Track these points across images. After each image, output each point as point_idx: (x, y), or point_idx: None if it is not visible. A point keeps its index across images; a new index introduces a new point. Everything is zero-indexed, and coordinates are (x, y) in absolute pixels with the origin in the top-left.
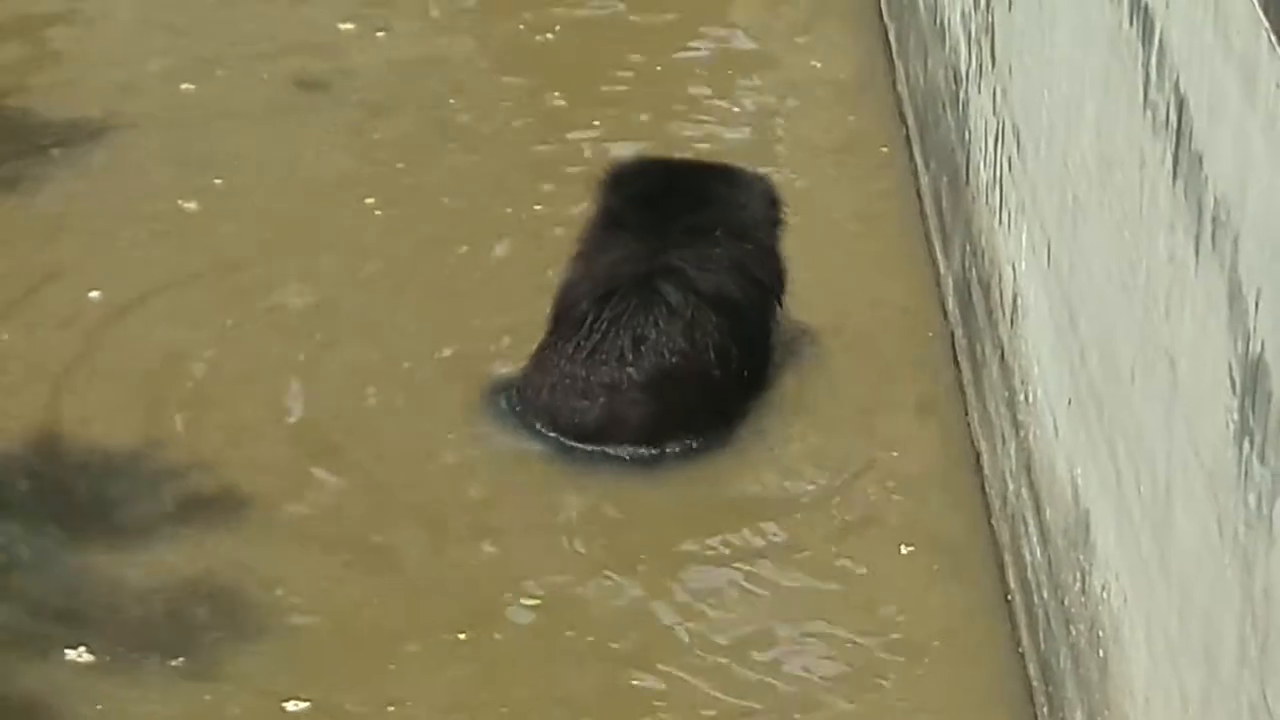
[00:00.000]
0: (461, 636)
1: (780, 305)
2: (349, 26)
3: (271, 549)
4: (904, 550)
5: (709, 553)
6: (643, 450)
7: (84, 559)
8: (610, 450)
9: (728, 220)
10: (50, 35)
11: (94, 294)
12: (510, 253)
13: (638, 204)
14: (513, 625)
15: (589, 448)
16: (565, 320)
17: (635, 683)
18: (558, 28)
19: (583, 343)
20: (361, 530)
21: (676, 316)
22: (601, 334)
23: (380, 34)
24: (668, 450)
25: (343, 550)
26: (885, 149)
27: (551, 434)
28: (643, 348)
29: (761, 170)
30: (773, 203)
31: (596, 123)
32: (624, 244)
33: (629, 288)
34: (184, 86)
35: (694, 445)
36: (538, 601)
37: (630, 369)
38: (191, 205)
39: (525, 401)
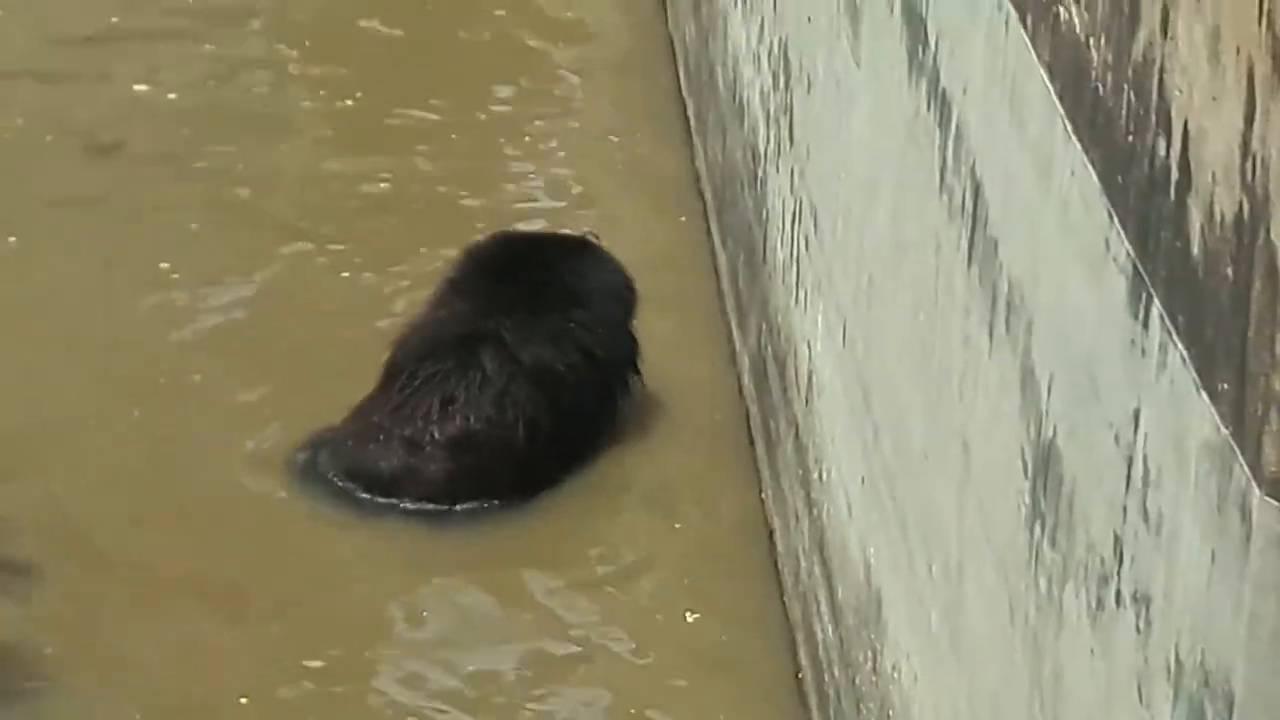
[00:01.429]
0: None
1: (625, 382)
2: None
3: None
4: (690, 618)
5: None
6: (433, 506)
7: None
8: (403, 504)
9: (572, 293)
10: None
11: None
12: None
13: (480, 272)
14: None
15: (381, 500)
16: (385, 374)
17: None
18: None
19: (394, 397)
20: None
21: (490, 383)
22: (413, 390)
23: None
24: (459, 508)
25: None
26: (684, 219)
27: (347, 483)
28: (449, 409)
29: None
30: (626, 284)
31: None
32: (456, 308)
33: (448, 349)
34: None
35: (488, 505)
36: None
37: (433, 427)
38: None
39: (329, 447)
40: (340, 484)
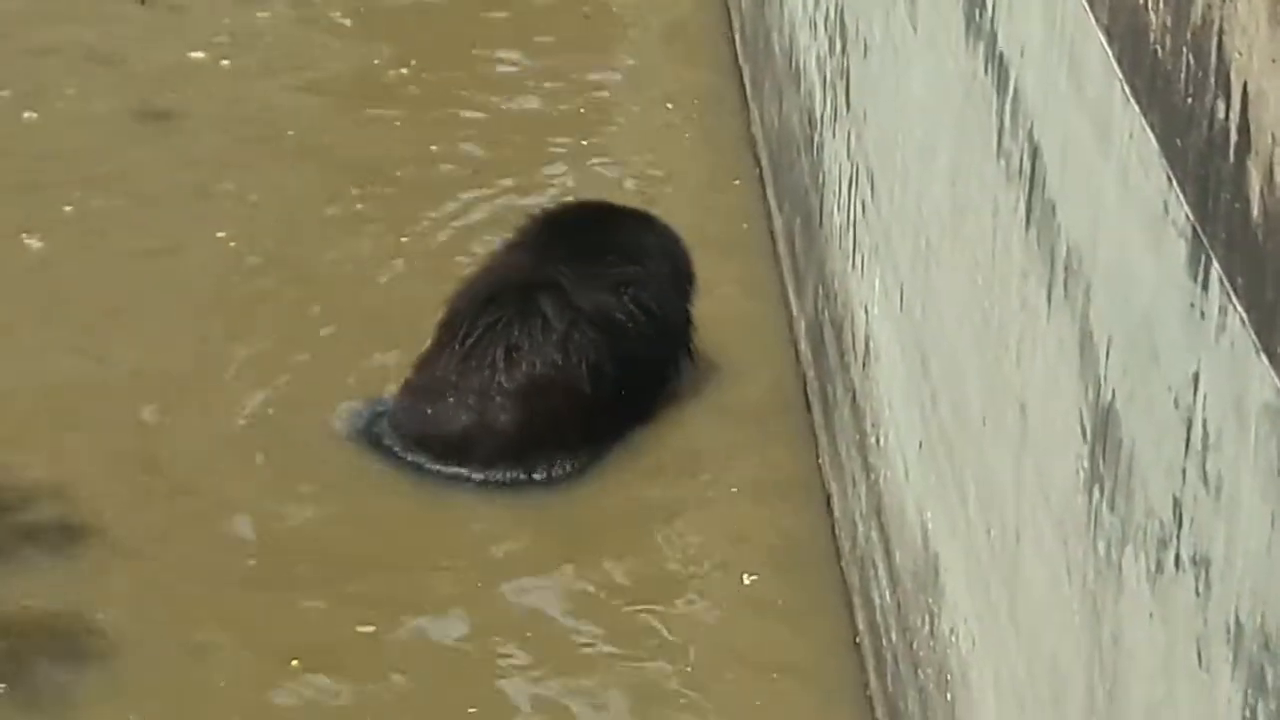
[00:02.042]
0: (295, 664)
1: (683, 347)
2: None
3: (106, 578)
4: (748, 580)
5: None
6: (506, 474)
7: None
8: (472, 475)
9: (630, 253)
10: None
11: None
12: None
13: (542, 231)
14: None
15: (449, 468)
16: (444, 327)
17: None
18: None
19: (456, 350)
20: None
21: (551, 329)
22: (476, 340)
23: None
24: (534, 475)
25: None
26: (738, 182)
27: (415, 452)
28: (514, 355)
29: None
30: (684, 255)
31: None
32: (515, 260)
33: (508, 298)
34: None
35: (557, 471)
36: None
37: (500, 376)
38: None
39: (392, 414)
40: (405, 452)
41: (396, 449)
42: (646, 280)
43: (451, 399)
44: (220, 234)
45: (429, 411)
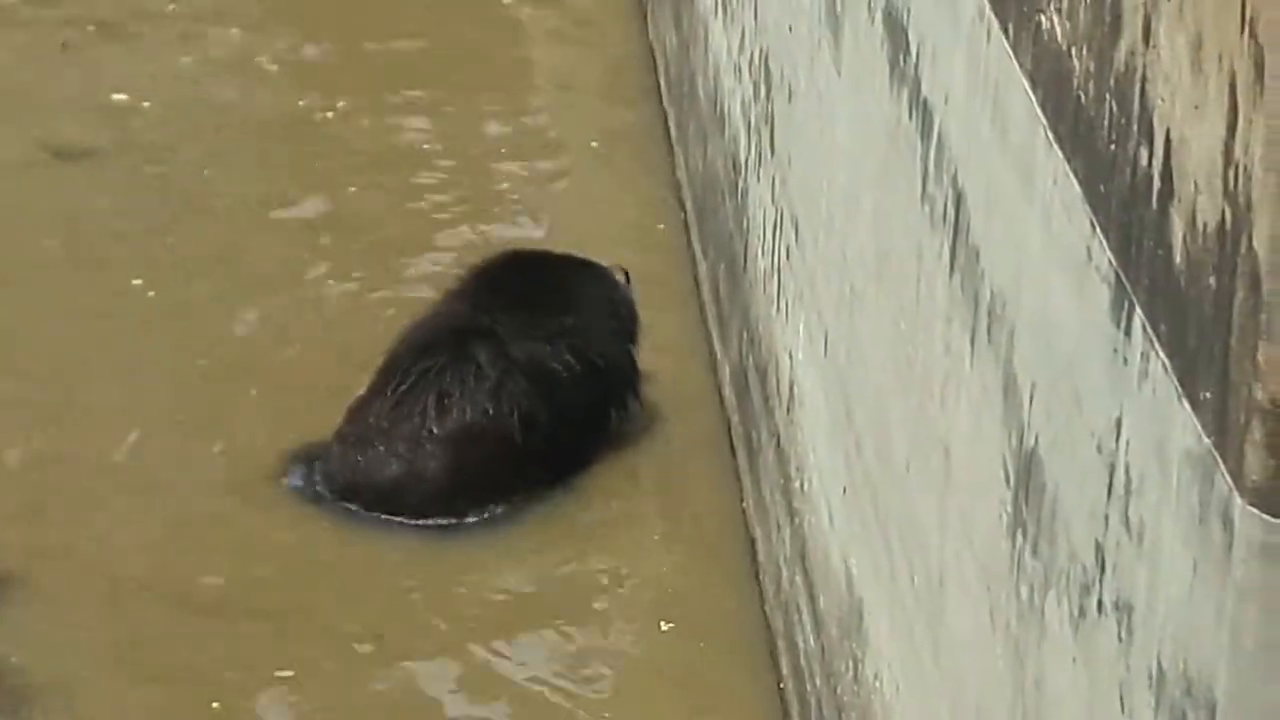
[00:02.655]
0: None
1: (623, 398)
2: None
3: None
4: (665, 627)
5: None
6: (432, 521)
7: None
8: (402, 520)
9: (569, 302)
10: None
11: None
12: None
13: (481, 279)
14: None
15: (381, 515)
16: (380, 374)
17: None
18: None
19: (389, 395)
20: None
21: (484, 377)
22: (409, 388)
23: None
24: (465, 520)
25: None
26: (662, 226)
27: (345, 499)
28: (445, 403)
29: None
30: (627, 302)
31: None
32: (452, 309)
33: (443, 345)
34: None
35: (487, 515)
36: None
37: (431, 423)
38: None
39: (324, 461)
40: (338, 501)
41: (330, 498)
42: (584, 328)
43: (382, 447)
44: (136, 281)
45: (359, 460)
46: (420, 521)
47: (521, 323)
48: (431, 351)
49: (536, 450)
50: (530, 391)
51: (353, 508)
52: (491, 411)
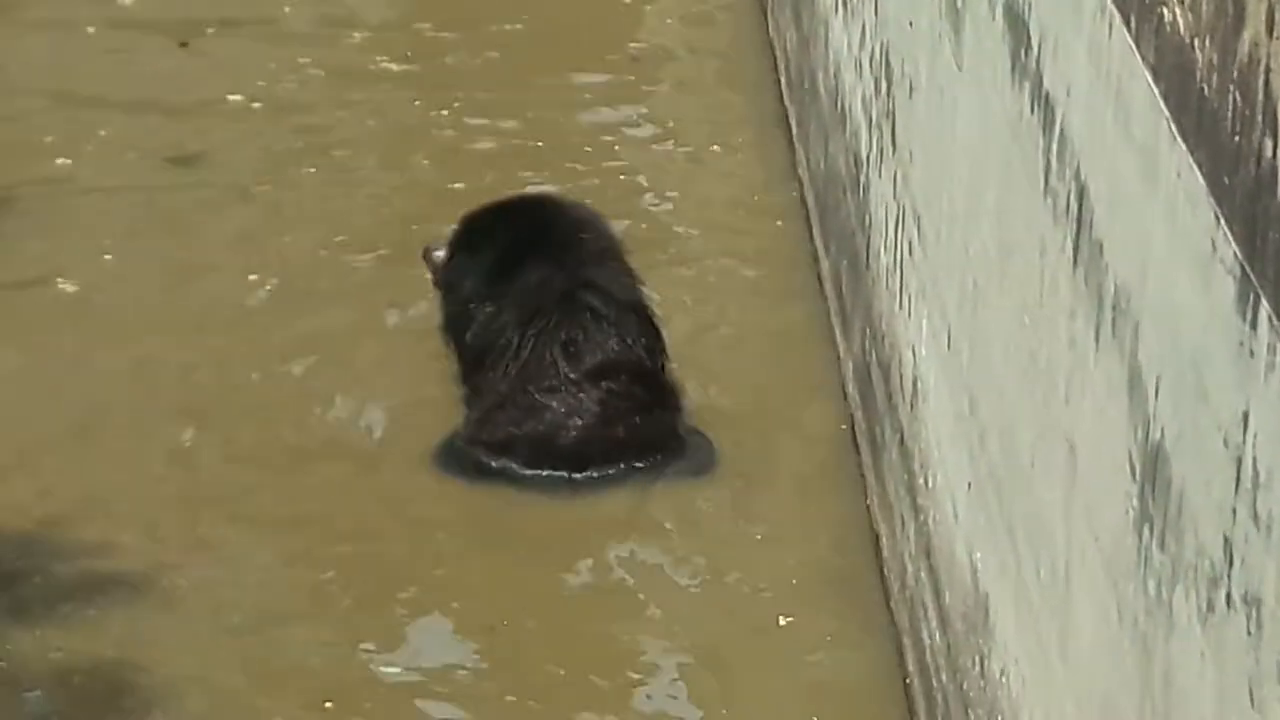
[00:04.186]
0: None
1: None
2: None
3: (170, 627)
4: (783, 622)
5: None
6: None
7: None
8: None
9: (593, 234)
10: None
11: None
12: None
13: (510, 236)
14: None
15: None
16: (492, 353)
17: None
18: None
19: (511, 365)
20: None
21: (602, 316)
22: (531, 350)
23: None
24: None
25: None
26: (785, 225)
27: (520, 464)
28: (572, 350)
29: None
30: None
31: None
32: (535, 269)
33: (551, 305)
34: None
35: (646, 461)
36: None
37: (566, 369)
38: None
39: (476, 441)
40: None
41: (486, 464)
42: (629, 268)
43: (527, 402)
44: (253, 276)
45: (507, 418)
46: (572, 473)
47: (608, 271)
48: (538, 315)
49: (663, 381)
50: (641, 327)
51: (514, 465)
52: (618, 347)
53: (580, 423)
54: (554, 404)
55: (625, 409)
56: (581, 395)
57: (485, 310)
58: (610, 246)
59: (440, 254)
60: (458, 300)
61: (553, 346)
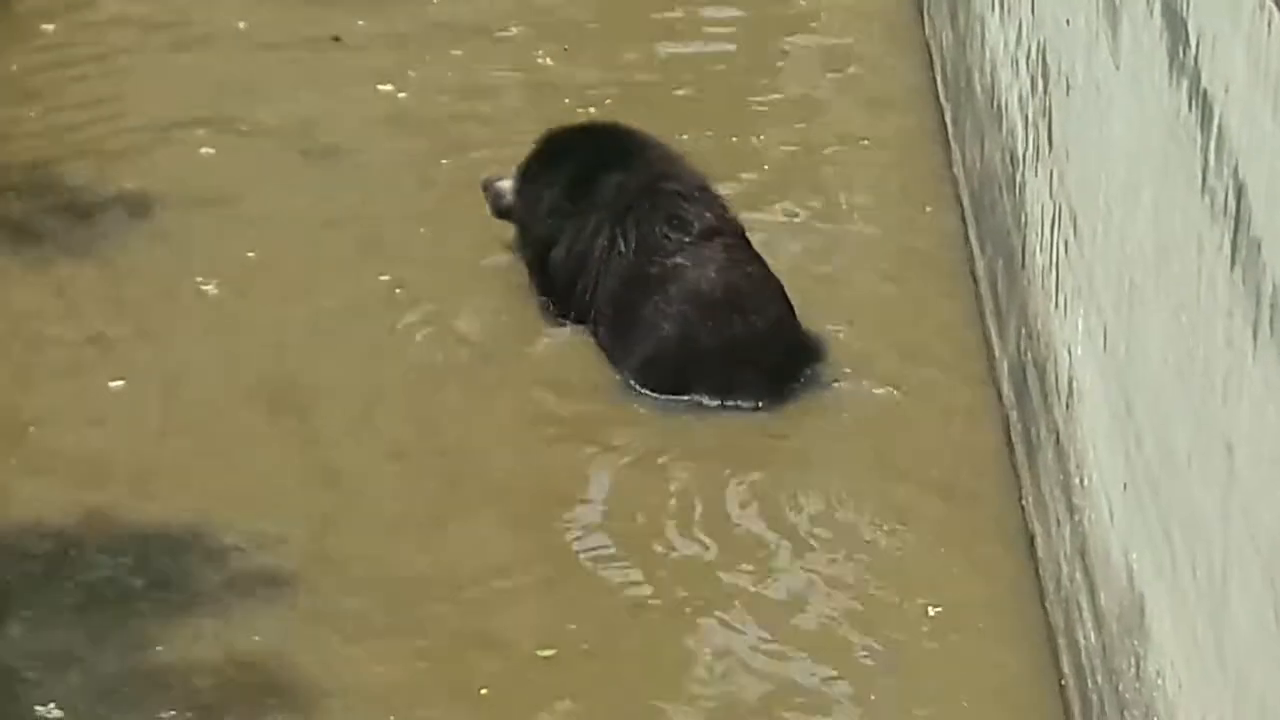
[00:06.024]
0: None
1: None
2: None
3: (307, 627)
4: (932, 612)
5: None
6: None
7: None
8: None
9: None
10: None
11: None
12: None
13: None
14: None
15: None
16: (590, 258)
17: None
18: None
19: (619, 259)
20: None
21: (692, 199)
22: (635, 237)
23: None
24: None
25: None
26: (942, 223)
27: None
28: (676, 222)
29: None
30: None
31: None
32: (612, 178)
33: (639, 199)
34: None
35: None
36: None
37: (681, 236)
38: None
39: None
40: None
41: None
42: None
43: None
44: (384, 277)
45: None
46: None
47: (660, 168)
48: (631, 210)
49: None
50: (725, 204)
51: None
52: (715, 215)
53: (715, 267)
54: (681, 260)
55: (745, 258)
56: (704, 249)
57: (571, 224)
58: (677, 156)
59: (503, 183)
60: (537, 220)
61: (659, 224)
